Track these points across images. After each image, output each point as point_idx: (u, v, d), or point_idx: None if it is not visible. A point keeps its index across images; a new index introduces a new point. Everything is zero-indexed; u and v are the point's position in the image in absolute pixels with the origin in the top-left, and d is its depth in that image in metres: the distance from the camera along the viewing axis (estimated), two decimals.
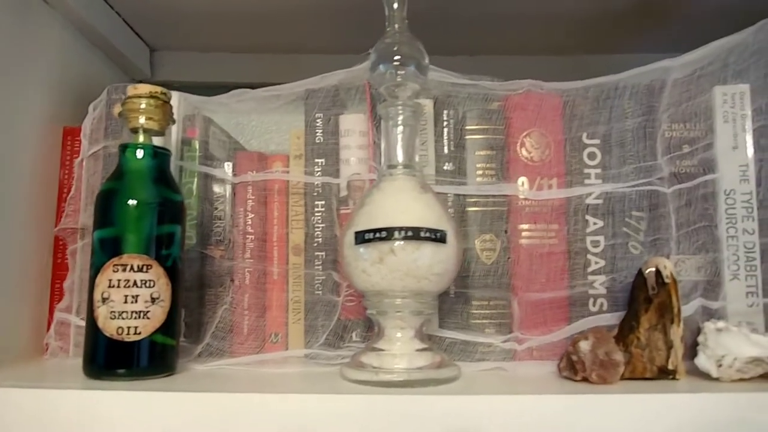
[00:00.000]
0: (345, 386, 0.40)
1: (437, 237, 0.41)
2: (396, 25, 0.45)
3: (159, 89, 0.44)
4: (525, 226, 0.51)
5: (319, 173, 0.53)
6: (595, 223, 0.51)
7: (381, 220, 0.41)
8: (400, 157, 0.44)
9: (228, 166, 0.55)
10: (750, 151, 0.50)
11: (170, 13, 0.65)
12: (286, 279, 0.54)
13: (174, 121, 0.46)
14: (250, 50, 0.71)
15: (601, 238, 0.51)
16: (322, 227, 0.53)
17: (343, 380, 0.41)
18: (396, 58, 0.44)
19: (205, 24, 0.67)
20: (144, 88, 0.44)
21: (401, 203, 0.42)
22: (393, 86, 0.45)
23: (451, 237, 0.42)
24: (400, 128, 0.44)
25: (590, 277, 0.50)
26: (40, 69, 0.54)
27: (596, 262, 0.51)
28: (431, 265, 0.40)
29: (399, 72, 0.44)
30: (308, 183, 0.53)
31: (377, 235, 0.40)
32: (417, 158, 0.46)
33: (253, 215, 0.54)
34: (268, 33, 0.68)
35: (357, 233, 0.41)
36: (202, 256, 0.54)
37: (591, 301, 0.50)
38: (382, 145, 0.46)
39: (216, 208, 0.54)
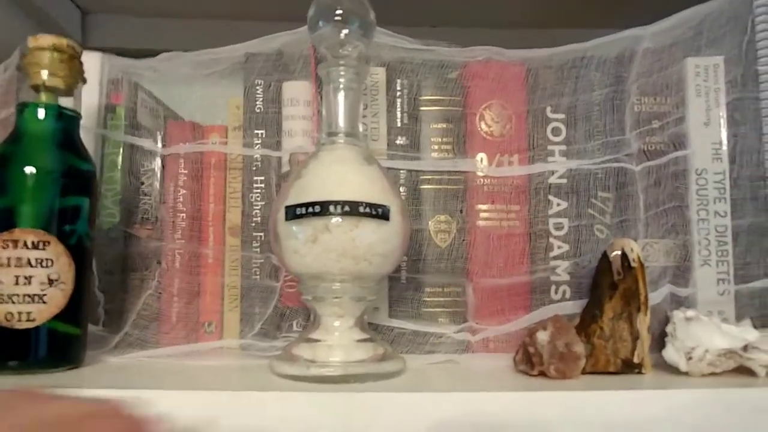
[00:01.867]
0: (273, 381, 0.35)
1: (378, 213, 0.36)
2: None
3: (65, 41, 0.38)
4: (483, 206, 0.47)
5: (258, 145, 0.48)
6: (558, 204, 0.47)
7: (315, 194, 0.36)
8: (341, 123, 0.39)
9: (159, 137, 0.49)
10: (723, 127, 0.46)
11: None
12: (222, 262, 0.49)
13: (85, 80, 0.40)
14: (191, 15, 0.65)
15: (564, 221, 0.47)
16: (261, 205, 0.48)
17: (272, 374, 0.36)
18: (337, 13, 0.39)
19: None
20: (46, 39, 0.38)
21: (339, 175, 0.37)
22: (334, 45, 0.40)
23: (395, 213, 0.37)
24: (342, 92, 0.39)
25: (552, 262, 0.46)
26: None
27: (559, 246, 0.47)
28: (371, 244, 0.36)
29: (342, 30, 0.39)
30: (246, 156, 0.48)
31: (310, 209, 0.35)
32: (361, 127, 0.41)
33: (185, 191, 0.49)
34: None
35: (288, 208, 0.36)
36: (126, 236, 0.48)
37: (553, 288, 0.46)
38: (323, 112, 0.41)
39: (143, 183, 0.49)
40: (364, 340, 0.37)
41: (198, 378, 0.36)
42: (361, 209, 0.35)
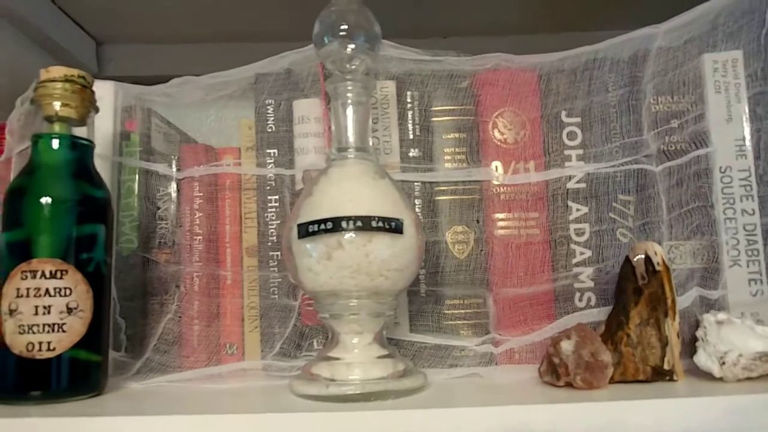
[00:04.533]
0: (292, 402, 0.34)
1: (392, 227, 0.35)
2: None
3: (76, 71, 0.39)
4: (501, 215, 0.46)
5: (271, 165, 0.48)
6: (578, 209, 0.46)
7: (327, 211, 0.36)
8: (350, 138, 0.39)
9: (174, 162, 0.50)
10: (746, 123, 0.45)
11: (117, 3, 0.60)
12: (240, 283, 0.49)
13: (97, 109, 0.41)
14: (203, 40, 0.66)
15: (585, 226, 0.46)
16: (276, 224, 0.47)
17: (292, 395, 0.36)
18: (342, 28, 0.39)
19: (154, 13, 0.62)
20: (58, 71, 0.39)
21: (350, 190, 0.37)
22: (341, 60, 0.39)
23: (409, 227, 0.36)
24: (351, 107, 0.39)
25: (575, 269, 0.45)
26: None
27: (581, 252, 0.45)
28: (386, 259, 0.35)
29: (348, 44, 0.39)
30: (260, 176, 0.48)
31: (322, 226, 0.35)
32: (371, 141, 0.40)
33: (201, 214, 0.49)
34: (223, 21, 0.64)
35: (300, 226, 0.36)
36: (145, 261, 0.48)
37: (577, 295, 0.45)
38: (332, 127, 0.41)
39: (159, 208, 0.49)
40: (384, 357, 0.37)
41: (218, 402, 0.36)
42: (374, 224, 0.35)
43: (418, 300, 0.45)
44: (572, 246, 0.46)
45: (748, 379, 0.35)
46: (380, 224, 0.35)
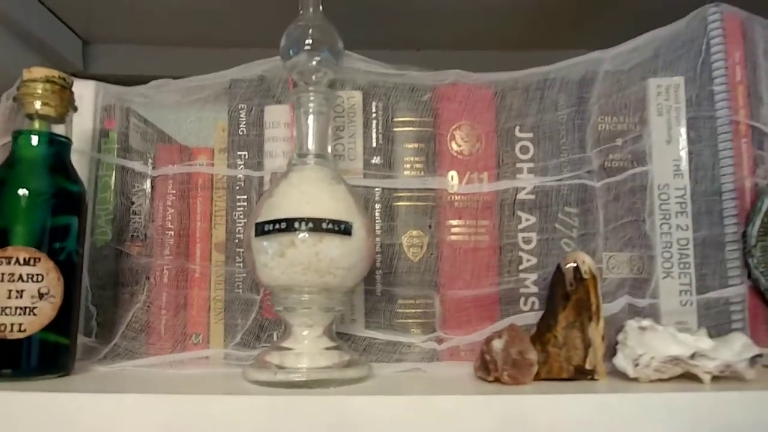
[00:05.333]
0: (243, 387, 0.37)
1: (341, 229, 0.38)
2: (310, 9, 0.43)
3: (57, 73, 0.42)
4: (454, 222, 0.49)
5: (242, 166, 0.51)
6: (527, 219, 0.49)
7: (283, 211, 0.39)
8: (310, 145, 0.42)
9: (149, 160, 0.53)
10: (683, 144, 0.48)
11: (104, 4, 0.63)
12: (208, 277, 0.52)
13: (75, 109, 0.44)
14: (187, 44, 0.69)
15: (533, 235, 0.49)
16: (244, 223, 0.50)
17: (244, 381, 0.39)
18: (307, 42, 0.42)
19: (140, 16, 0.65)
20: (39, 72, 0.41)
21: (306, 194, 0.40)
22: (306, 72, 0.43)
23: (359, 230, 0.40)
24: (312, 116, 0.42)
25: (521, 275, 0.48)
26: None
27: (528, 260, 0.49)
28: (334, 258, 0.38)
29: (313, 57, 0.42)
30: (230, 177, 0.51)
31: (277, 226, 0.38)
32: (330, 149, 0.43)
33: (173, 210, 0.52)
34: (206, 26, 0.66)
35: (257, 224, 0.39)
36: (118, 253, 0.51)
37: (522, 299, 0.48)
38: (294, 134, 0.44)
39: (133, 203, 0.52)
40: (331, 348, 0.40)
41: (175, 384, 0.39)
42: (324, 225, 0.38)
43: (373, 298, 0.48)
44: (520, 253, 0.49)
45: (660, 380, 0.38)
46: (330, 226, 0.38)
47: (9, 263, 0.38)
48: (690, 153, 0.47)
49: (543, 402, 0.33)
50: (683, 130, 0.48)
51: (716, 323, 0.45)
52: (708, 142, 0.47)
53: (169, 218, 0.52)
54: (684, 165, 0.48)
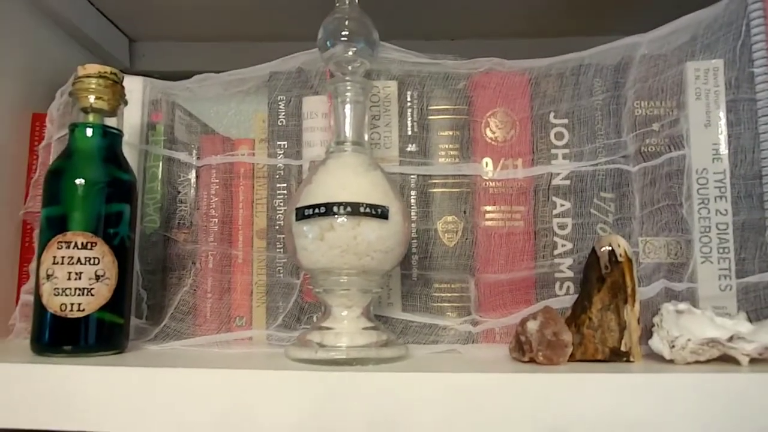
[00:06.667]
0: (285, 363, 0.39)
1: (378, 213, 0.40)
2: (346, 1, 0.45)
3: (109, 69, 0.44)
4: (489, 208, 0.50)
5: (281, 156, 0.53)
6: (562, 205, 0.50)
7: (322, 197, 0.40)
8: (348, 133, 0.43)
9: (194, 151, 0.55)
10: (722, 128, 0.47)
11: (150, 3, 0.65)
12: (250, 262, 0.54)
13: (126, 102, 0.46)
14: (227, 39, 0.71)
15: (568, 220, 0.49)
16: (283, 210, 0.52)
17: (287, 359, 0.41)
18: (343, 33, 0.43)
19: (183, 14, 0.67)
20: (93, 68, 0.44)
21: (343, 179, 0.41)
22: (343, 62, 0.44)
23: (395, 214, 0.41)
24: (349, 105, 0.44)
25: (557, 260, 0.49)
26: (10, 59, 0.55)
27: (563, 245, 0.49)
28: (372, 242, 0.40)
29: (350, 48, 0.44)
30: (271, 166, 0.53)
31: (316, 210, 0.40)
32: (367, 136, 0.45)
33: (216, 198, 0.54)
34: (245, 21, 0.69)
35: (297, 209, 0.41)
36: (166, 239, 0.54)
37: (557, 284, 0.49)
38: (331, 123, 0.45)
39: (179, 192, 0.54)
40: (369, 328, 0.41)
41: (220, 361, 0.41)
42: (362, 209, 0.39)
43: (409, 282, 0.50)
44: (555, 238, 0.49)
45: (697, 362, 0.38)
46: (367, 210, 0.39)
47: (68, 247, 0.41)
48: (729, 136, 0.46)
49: (578, 382, 0.34)
50: (722, 114, 0.48)
51: (755, 308, 0.44)
52: (748, 125, 0.46)
53: (213, 206, 0.54)
54: (723, 149, 0.47)
